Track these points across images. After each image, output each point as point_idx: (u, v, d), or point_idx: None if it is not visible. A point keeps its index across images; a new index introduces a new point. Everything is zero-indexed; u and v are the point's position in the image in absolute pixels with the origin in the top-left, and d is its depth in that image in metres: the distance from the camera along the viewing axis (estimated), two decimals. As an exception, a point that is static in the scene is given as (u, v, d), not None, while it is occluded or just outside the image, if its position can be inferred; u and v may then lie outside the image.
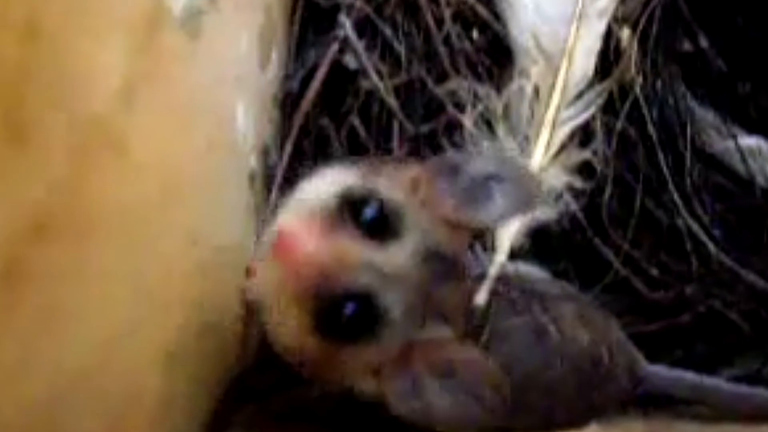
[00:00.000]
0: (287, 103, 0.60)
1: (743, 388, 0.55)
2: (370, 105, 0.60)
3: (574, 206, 0.56)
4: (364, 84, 0.59)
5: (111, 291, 0.31)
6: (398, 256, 0.39)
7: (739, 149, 0.57)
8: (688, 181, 0.57)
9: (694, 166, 0.58)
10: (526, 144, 0.54)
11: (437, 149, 0.59)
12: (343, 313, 0.38)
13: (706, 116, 0.59)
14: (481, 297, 0.49)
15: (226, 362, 0.48)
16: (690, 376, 0.56)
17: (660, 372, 0.55)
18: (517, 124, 0.54)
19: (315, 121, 0.60)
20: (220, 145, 0.45)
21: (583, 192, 0.56)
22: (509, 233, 0.52)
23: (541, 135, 0.54)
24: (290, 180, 0.58)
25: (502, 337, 0.48)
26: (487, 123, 0.55)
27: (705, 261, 0.57)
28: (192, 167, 0.38)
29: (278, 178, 0.57)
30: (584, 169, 0.56)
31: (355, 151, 0.60)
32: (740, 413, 0.54)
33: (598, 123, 0.58)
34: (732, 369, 0.61)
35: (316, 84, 0.59)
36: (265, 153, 0.57)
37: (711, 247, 0.57)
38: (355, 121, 0.60)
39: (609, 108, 0.58)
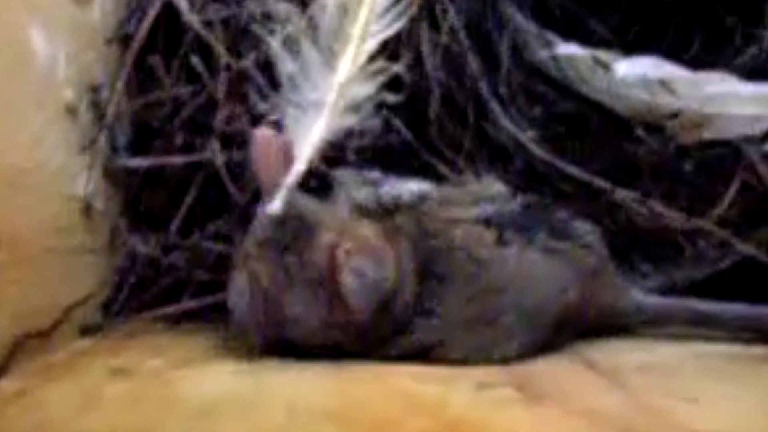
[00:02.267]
0: (123, 43, 0.62)
1: (744, 308, 0.52)
2: (202, 42, 0.62)
3: (394, 120, 0.57)
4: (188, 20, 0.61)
5: None
6: None
7: (555, 57, 0.57)
8: (506, 87, 0.58)
9: (512, 74, 0.58)
10: (332, 58, 0.55)
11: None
12: None
13: (526, 24, 0.59)
14: (275, 206, 0.50)
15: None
16: (689, 303, 0.53)
17: (655, 301, 0.53)
18: (323, 40, 0.55)
19: (148, 59, 0.62)
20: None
21: (402, 105, 0.57)
22: (311, 142, 0.53)
23: (348, 49, 0.55)
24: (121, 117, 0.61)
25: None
26: (296, 43, 0.56)
27: (528, 164, 0.57)
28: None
29: (108, 114, 0.59)
30: (397, 83, 0.57)
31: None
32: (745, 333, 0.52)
33: (424, 37, 0.59)
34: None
35: (145, 23, 0.61)
36: (94, 90, 0.59)
37: (535, 149, 0.57)
38: (193, 58, 0.62)
39: (432, 21, 0.59)
